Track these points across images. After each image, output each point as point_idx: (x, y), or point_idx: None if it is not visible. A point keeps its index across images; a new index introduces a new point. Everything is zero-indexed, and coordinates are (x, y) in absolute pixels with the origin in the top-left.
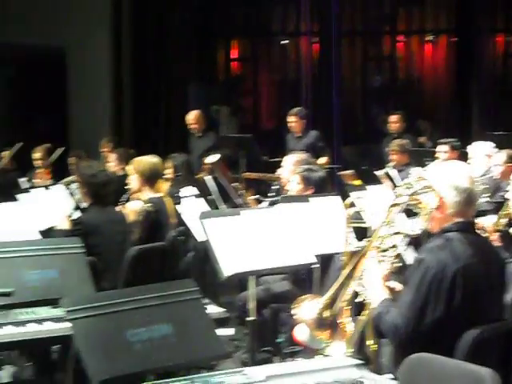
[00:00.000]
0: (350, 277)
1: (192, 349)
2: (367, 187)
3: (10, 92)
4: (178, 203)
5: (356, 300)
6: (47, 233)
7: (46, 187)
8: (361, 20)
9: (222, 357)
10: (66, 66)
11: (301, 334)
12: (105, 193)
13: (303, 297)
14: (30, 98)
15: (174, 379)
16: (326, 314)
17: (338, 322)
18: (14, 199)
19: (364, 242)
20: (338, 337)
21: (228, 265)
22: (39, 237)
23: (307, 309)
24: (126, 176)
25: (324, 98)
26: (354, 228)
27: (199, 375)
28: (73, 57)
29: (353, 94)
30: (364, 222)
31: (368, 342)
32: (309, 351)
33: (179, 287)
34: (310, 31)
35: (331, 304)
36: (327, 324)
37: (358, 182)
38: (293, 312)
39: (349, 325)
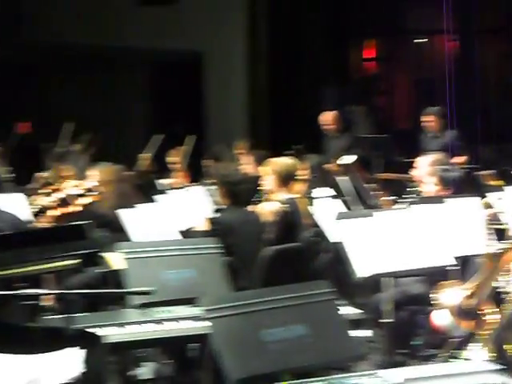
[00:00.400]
0: (491, 276)
1: (326, 350)
2: (506, 188)
3: (149, 95)
4: (312, 204)
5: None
6: (186, 233)
7: (185, 188)
8: (497, 16)
9: (357, 358)
10: (202, 68)
11: (441, 319)
12: (239, 191)
13: (447, 282)
14: (167, 100)
15: (309, 380)
16: (470, 302)
17: (480, 312)
18: (152, 201)
19: (506, 244)
20: (479, 328)
21: (363, 266)
22: (179, 237)
23: (450, 295)
24: (259, 177)
25: (464, 96)
26: (494, 229)
27: (335, 376)
28: (209, 59)
29: (490, 92)
30: (503, 224)
31: (506, 347)
32: (446, 342)
33: (314, 288)
34: (448, 29)
35: (475, 294)
36: (470, 313)
37: (499, 183)
38: (435, 297)
39: (491, 316)
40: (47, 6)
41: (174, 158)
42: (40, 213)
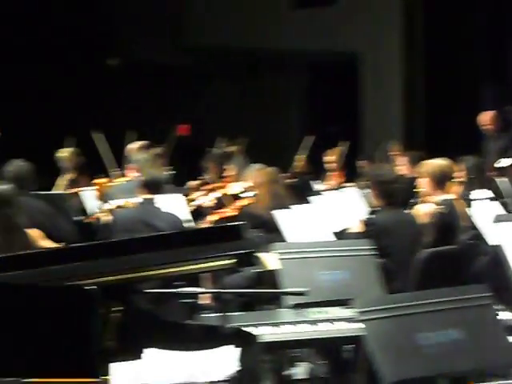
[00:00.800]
0: None
1: (483, 355)
2: None
3: (304, 96)
4: (470, 206)
5: None
6: (340, 235)
7: (339, 190)
8: None
9: None
10: (358, 70)
11: None
12: (393, 191)
13: None
14: (323, 101)
15: None
16: None
17: None
18: (307, 202)
19: None
20: None
21: None
22: (333, 238)
23: None
24: (415, 179)
25: None
26: None
27: (492, 383)
28: (365, 61)
29: None
30: None
31: None
32: None
33: (471, 292)
34: None
35: None
36: None
37: None
38: None
39: None
40: (205, 12)
41: (330, 157)
42: (198, 213)
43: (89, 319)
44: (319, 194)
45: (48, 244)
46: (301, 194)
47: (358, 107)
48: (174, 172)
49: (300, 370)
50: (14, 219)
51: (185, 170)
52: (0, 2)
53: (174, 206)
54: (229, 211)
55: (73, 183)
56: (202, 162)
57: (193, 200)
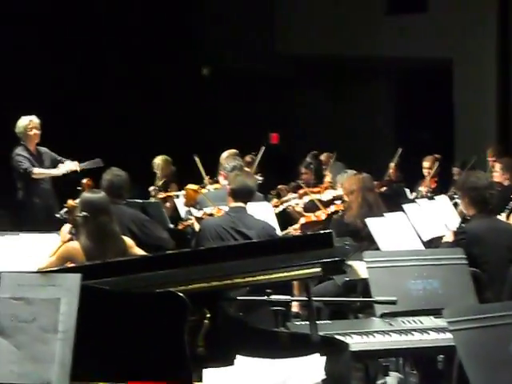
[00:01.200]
0: None
1: None
2: None
3: (394, 104)
4: None
5: None
6: (431, 243)
7: (430, 198)
8: None
9: None
10: (452, 77)
11: None
12: (487, 198)
13: None
14: (415, 108)
15: None
16: None
17: None
18: (401, 209)
19: None
20: None
21: None
22: (425, 247)
23: None
24: (511, 186)
25: None
26: None
27: None
28: (459, 68)
29: None
30: None
31: None
32: None
33: None
34: None
35: None
36: None
37: None
38: None
39: None
40: (297, 20)
41: (426, 163)
42: (286, 216)
43: (181, 325)
44: (412, 202)
45: (141, 251)
46: (394, 201)
47: (452, 113)
48: (263, 180)
49: (390, 380)
50: (108, 227)
51: (274, 178)
52: (92, 17)
53: (263, 214)
54: (318, 216)
55: (164, 191)
56: (296, 167)
57: (283, 202)
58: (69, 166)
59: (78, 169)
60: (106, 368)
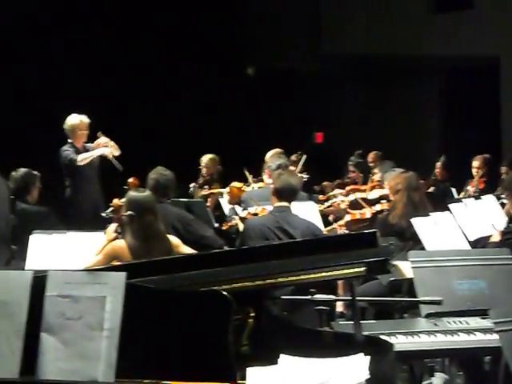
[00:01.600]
0: None
1: None
2: None
3: (441, 103)
4: None
5: None
6: (477, 243)
7: (477, 198)
8: None
9: None
10: (499, 75)
11: None
12: None
13: None
14: (463, 107)
15: None
16: None
17: None
18: (448, 209)
19: None
20: None
21: None
22: (468, 247)
23: None
24: None
25: None
26: None
27: None
28: (507, 66)
29: None
30: None
31: None
32: None
33: None
34: None
35: None
36: None
37: None
38: None
39: None
40: (343, 19)
41: (476, 163)
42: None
43: (226, 324)
44: (459, 202)
45: (188, 250)
46: (440, 201)
47: (501, 112)
48: (308, 178)
49: (436, 381)
50: (154, 226)
51: (319, 177)
52: (138, 17)
53: (307, 213)
54: (363, 214)
55: (207, 188)
56: (340, 166)
57: (329, 198)
58: (104, 150)
59: (110, 155)
60: (151, 366)
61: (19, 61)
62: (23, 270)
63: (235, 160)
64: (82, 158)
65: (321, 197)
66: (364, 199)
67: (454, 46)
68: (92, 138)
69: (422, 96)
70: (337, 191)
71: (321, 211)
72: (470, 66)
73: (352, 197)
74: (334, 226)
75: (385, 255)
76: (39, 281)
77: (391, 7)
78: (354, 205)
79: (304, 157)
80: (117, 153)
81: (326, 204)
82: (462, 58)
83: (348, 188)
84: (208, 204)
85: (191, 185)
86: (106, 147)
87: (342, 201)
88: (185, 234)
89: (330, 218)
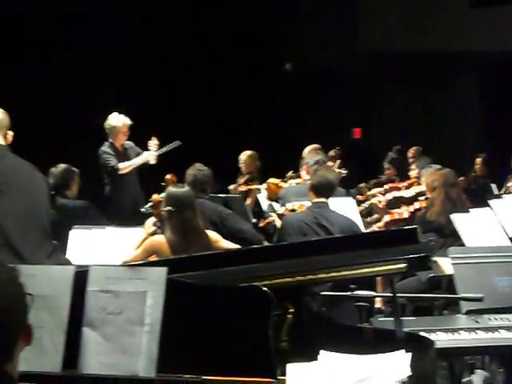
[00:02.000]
0: None
1: None
2: None
3: (480, 98)
4: None
5: None
6: None
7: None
8: None
9: None
10: None
11: None
12: None
13: None
14: (501, 103)
15: None
16: None
17: None
18: (487, 205)
19: None
20: None
21: None
22: (509, 243)
23: None
24: None
25: None
26: None
27: None
28: None
29: None
30: None
31: None
32: None
33: None
34: None
35: None
36: None
37: None
38: None
39: None
40: (381, 16)
41: None
42: (369, 214)
43: (266, 320)
44: (499, 198)
45: (227, 244)
46: (480, 197)
47: None
48: (346, 174)
49: (476, 378)
50: (192, 222)
51: (357, 172)
52: (177, 15)
53: (345, 209)
54: (401, 213)
55: (247, 185)
56: (378, 162)
57: (367, 198)
58: (146, 155)
59: (154, 161)
60: (191, 361)
61: (59, 60)
62: (66, 261)
63: (273, 156)
64: (124, 167)
65: (359, 197)
66: (402, 197)
67: (494, 41)
68: (131, 138)
69: (461, 92)
70: (374, 190)
71: (361, 212)
72: (509, 61)
73: (389, 196)
74: (373, 227)
75: (426, 251)
76: (81, 276)
77: (429, 4)
78: (392, 204)
79: (337, 164)
80: (153, 162)
81: (364, 205)
82: (502, 53)
83: (386, 187)
84: (248, 202)
85: (231, 187)
86: (149, 151)
87: (379, 201)
88: (222, 229)
89: (368, 219)
